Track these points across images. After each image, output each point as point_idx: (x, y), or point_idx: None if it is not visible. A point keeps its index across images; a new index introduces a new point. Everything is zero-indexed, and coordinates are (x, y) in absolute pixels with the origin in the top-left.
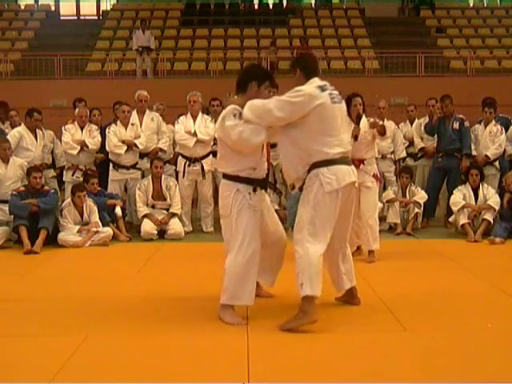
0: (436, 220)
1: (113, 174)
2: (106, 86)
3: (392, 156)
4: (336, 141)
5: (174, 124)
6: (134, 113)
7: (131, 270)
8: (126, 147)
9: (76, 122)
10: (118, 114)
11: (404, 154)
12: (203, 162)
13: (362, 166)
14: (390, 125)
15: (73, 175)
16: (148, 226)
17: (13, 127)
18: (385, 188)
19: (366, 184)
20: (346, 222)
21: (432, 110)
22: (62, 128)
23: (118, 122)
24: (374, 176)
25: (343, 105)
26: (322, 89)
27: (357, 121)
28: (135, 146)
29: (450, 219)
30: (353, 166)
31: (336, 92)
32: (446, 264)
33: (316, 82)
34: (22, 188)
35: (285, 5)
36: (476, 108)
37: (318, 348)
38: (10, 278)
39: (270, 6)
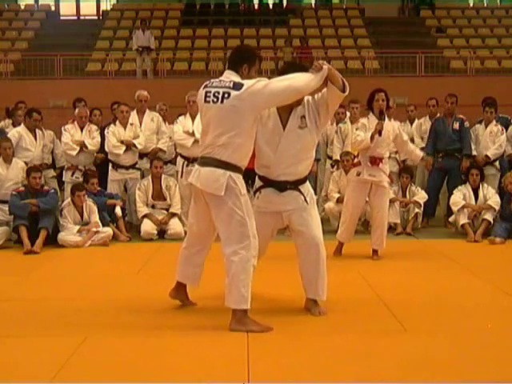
0: (436, 220)
1: (112, 174)
2: (106, 85)
3: (397, 156)
4: (201, 141)
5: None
6: (134, 113)
7: (131, 269)
8: (124, 147)
9: (76, 123)
10: (116, 114)
11: None
12: None
13: (380, 164)
14: (395, 124)
15: (72, 175)
16: (148, 226)
17: (15, 127)
18: None
19: (383, 183)
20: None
21: (432, 109)
22: (62, 128)
23: (117, 122)
24: (389, 176)
25: (218, 105)
26: (204, 85)
27: (380, 116)
28: (134, 146)
29: (450, 219)
30: (210, 168)
31: (219, 90)
32: (446, 264)
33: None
34: (22, 188)
35: (285, 5)
36: (476, 108)
37: (318, 348)
38: (10, 278)
39: (270, 6)
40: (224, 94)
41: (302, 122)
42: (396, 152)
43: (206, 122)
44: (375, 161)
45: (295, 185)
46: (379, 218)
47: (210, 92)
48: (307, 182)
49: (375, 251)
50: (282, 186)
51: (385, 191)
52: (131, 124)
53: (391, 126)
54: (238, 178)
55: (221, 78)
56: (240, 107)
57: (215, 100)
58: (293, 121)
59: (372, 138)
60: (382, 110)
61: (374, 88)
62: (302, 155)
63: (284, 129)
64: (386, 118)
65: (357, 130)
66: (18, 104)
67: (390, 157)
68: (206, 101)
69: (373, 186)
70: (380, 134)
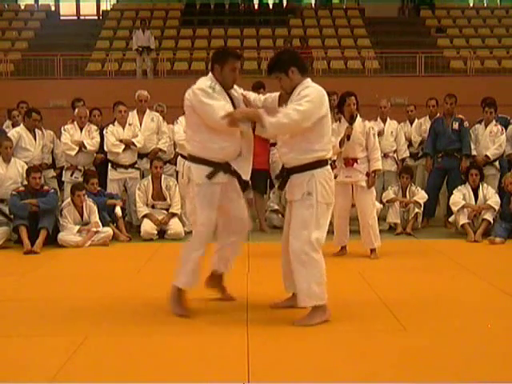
0: (436, 220)
1: (111, 173)
2: (106, 85)
3: (395, 155)
4: None
5: (173, 124)
6: (134, 113)
7: (131, 269)
8: (123, 146)
9: (75, 123)
10: (115, 114)
11: (407, 154)
12: None
13: (355, 164)
14: (392, 124)
15: (71, 175)
16: (148, 226)
17: (14, 127)
18: (383, 188)
19: (361, 183)
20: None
21: (432, 109)
22: (62, 128)
23: (116, 122)
24: (368, 175)
25: None
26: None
27: (350, 120)
28: (133, 144)
29: (450, 219)
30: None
31: None
32: (445, 264)
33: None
34: (22, 188)
35: (285, 5)
36: (476, 108)
37: (318, 348)
38: (10, 278)
39: (270, 6)
40: None
41: None
42: (394, 151)
43: None
44: (349, 162)
45: (288, 173)
46: (363, 217)
47: None
48: (307, 173)
49: (372, 250)
50: (283, 173)
51: (364, 190)
52: (130, 124)
53: (362, 126)
54: (196, 168)
55: None
56: (185, 103)
57: None
58: None
59: (341, 143)
60: (352, 114)
61: (344, 91)
62: (295, 145)
63: None
64: (358, 119)
65: None
66: (19, 104)
67: (387, 156)
68: None
69: (353, 186)
70: (348, 139)
